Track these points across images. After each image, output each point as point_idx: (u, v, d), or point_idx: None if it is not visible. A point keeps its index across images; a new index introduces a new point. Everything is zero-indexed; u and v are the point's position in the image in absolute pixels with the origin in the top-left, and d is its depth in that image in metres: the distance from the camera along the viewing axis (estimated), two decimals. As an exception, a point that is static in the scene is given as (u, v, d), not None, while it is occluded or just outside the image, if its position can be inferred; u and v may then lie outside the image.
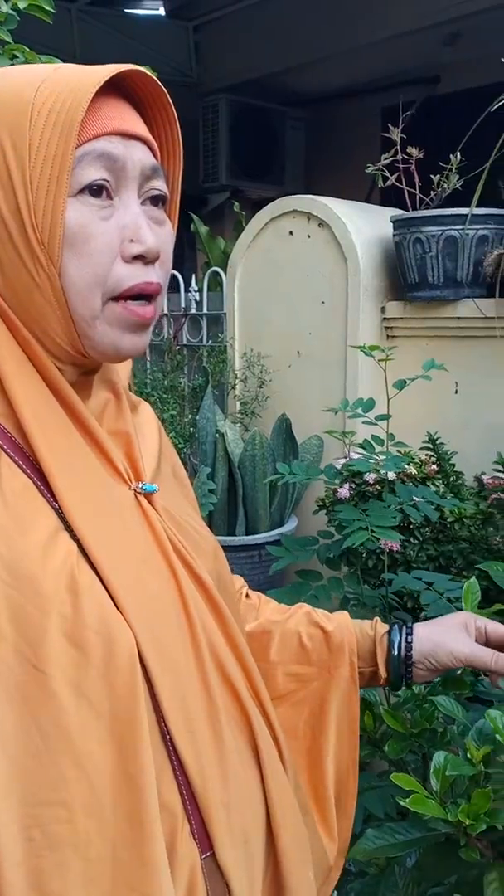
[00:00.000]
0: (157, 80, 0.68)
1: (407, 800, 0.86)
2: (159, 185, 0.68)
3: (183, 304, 3.04)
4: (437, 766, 0.89)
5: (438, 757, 0.90)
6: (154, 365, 3.01)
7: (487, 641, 0.91)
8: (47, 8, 2.04)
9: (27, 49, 2.09)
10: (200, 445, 2.25)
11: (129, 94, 0.68)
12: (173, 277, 3.09)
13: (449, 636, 0.89)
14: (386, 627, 0.92)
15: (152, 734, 0.62)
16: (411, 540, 1.90)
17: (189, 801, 0.64)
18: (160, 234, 0.68)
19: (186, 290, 3.01)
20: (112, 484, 0.69)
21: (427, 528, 1.90)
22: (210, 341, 2.87)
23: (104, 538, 0.64)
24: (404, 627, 0.91)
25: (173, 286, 3.11)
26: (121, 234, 0.65)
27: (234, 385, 2.51)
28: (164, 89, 0.69)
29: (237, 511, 2.18)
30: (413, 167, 2.28)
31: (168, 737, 0.63)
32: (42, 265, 0.62)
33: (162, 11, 5.44)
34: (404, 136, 2.30)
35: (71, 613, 0.59)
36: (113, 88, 0.65)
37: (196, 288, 2.98)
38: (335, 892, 0.93)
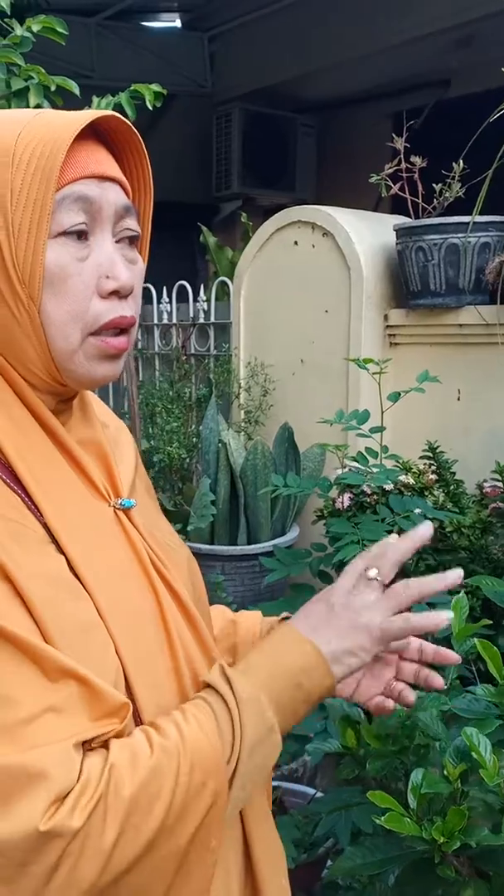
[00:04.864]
0: (130, 124, 0.72)
1: (383, 818, 0.86)
2: (132, 225, 0.72)
3: (191, 314, 3.06)
4: (414, 784, 0.89)
5: (416, 774, 0.90)
6: (162, 374, 3.03)
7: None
8: (60, 30, 2.07)
9: (42, 70, 2.13)
10: (203, 455, 2.26)
11: (103, 136, 0.72)
12: (182, 287, 3.11)
13: None
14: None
15: None
16: (411, 550, 1.90)
17: None
18: (133, 271, 0.72)
19: (195, 300, 3.03)
20: (92, 501, 0.72)
21: (429, 538, 1.90)
22: (217, 350, 2.88)
23: (87, 554, 0.66)
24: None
25: (182, 296, 3.13)
26: (97, 271, 0.68)
27: (239, 394, 2.52)
28: (137, 132, 0.73)
29: (239, 520, 2.19)
30: (416, 176, 2.28)
31: None
32: (22, 302, 0.66)
33: (178, 23, 5.48)
34: (407, 146, 2.30)
35: None
36: (90, 132, 0.69)
37: (204, 297, 3.00)
38: None
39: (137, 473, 0.84)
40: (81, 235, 0.67)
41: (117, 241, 0.71)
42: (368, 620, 0.72)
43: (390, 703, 0.80)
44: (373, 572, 0.75)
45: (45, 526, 0.65)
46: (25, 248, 0.64)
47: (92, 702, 0.59)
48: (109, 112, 0.70)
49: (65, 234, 0.66)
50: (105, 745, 0.59)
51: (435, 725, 0.94)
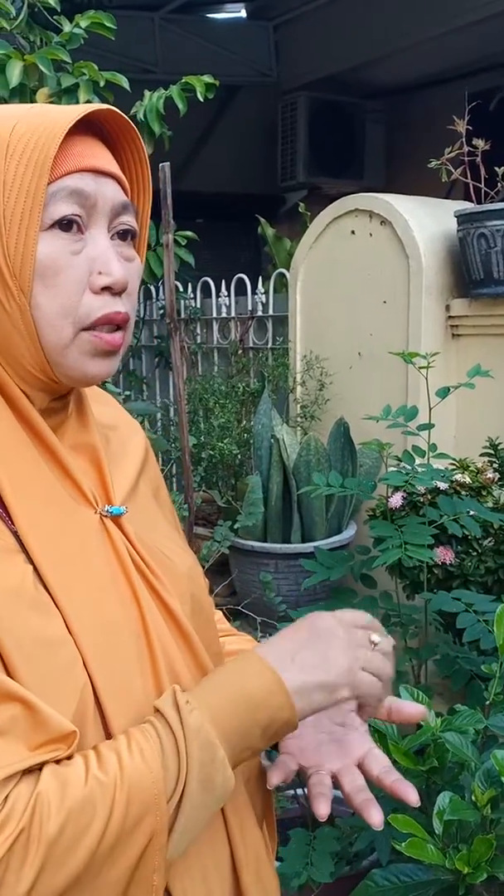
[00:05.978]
0: (127, 118, 0.70)
1: (403, 844, 0.81)
2: (129, 221, 0.70)
3: (250, 307, 3.02)
4: (440, 809, 0.84)
5: (443, 798, 0.85)
6: (219, 368, 3.01)
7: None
8: (109, 25, 2.07)
9: (94, 66, 2.13)
10: (255, 451, 2.22)
11: (102, 132, 0.71)
12: (241, 280, 3.08)
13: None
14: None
15: None
16: (470, 551, 1.81)
17: None
18: (128, 268, 0.70)
19: (253, 293, 3.00)
20: (74, 508, 0.69)
21: (490, 539, 1.81)
22: (274, 343, 2.84)
23: (59, 562, 0.64)
24: None
25: (241, 289, 3.10)
26: (90, 266, 0.67)
27: (294, 388, 2.48)
28: (135, 127, 0.71)
29: (292, 518, 2.15)
30: (479, 160, 2.18)
31: None
32: (13, 295, 0.65)
33: (243, 13, 5.43)
34: (469, 129, 2.21)
35: None
36: (87, 127, 0.68)
37: (262, 290, 2.96)
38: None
39: (144, 477, 0.81)
40: (75, 228, 0.66)
41: (113, 237, 0.69)
42: (351, 658, 0.68)
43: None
44: (376, 637, 0.71)
45: (17, 534, 0.62)
46: (17, 239, 0.64)
47: (35, 728, 0.56)
48: (105, 106, 0.68)
49: (57, 226, 0.65)
50: (40, 769, 0.57)
51: (464, 747, 0.88)
